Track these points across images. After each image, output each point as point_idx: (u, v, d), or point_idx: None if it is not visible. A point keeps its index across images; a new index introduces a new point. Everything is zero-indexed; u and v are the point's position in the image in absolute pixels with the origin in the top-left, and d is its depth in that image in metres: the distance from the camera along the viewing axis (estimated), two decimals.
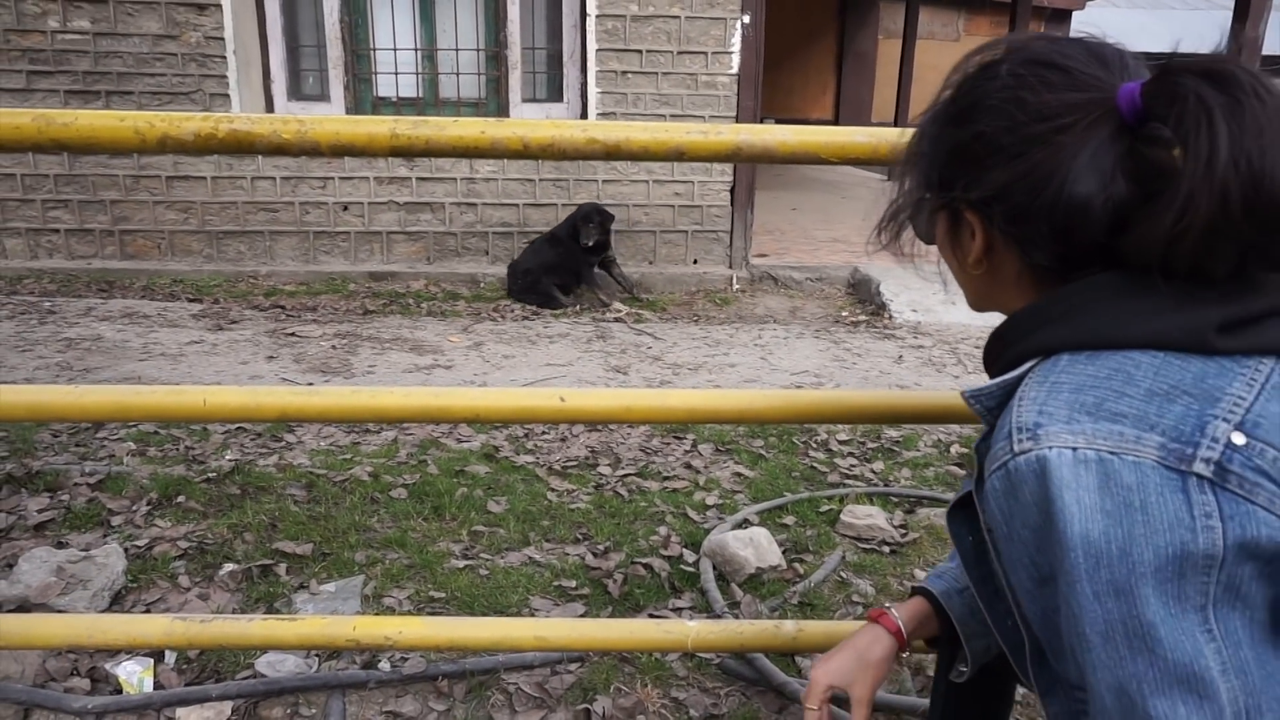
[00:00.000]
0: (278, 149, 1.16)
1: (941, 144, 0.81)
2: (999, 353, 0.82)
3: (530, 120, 1.18)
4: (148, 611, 2.02)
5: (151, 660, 1.84)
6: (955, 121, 0.79)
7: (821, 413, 1.37)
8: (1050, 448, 0.67)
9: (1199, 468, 0.64)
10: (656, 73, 5.77)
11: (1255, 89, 0.65)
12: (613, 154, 1.17)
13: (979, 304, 0.89)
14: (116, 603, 2.05)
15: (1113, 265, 0.74)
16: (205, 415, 1.33)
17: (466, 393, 1.33)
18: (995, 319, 0.87)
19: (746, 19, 5.68)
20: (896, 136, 1.20)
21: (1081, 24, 12.68)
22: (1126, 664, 0.65)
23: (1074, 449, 0.67)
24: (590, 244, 5.34)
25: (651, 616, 2.07)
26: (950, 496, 2.74)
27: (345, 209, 5.88)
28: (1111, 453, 0.66)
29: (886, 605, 1.05)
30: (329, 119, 1.15)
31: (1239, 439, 0.65)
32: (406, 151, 1.16)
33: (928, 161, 0.83)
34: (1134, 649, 0.65)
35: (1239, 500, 0.64)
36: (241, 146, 1.17)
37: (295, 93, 6.00)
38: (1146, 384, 0.68)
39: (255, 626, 1.50)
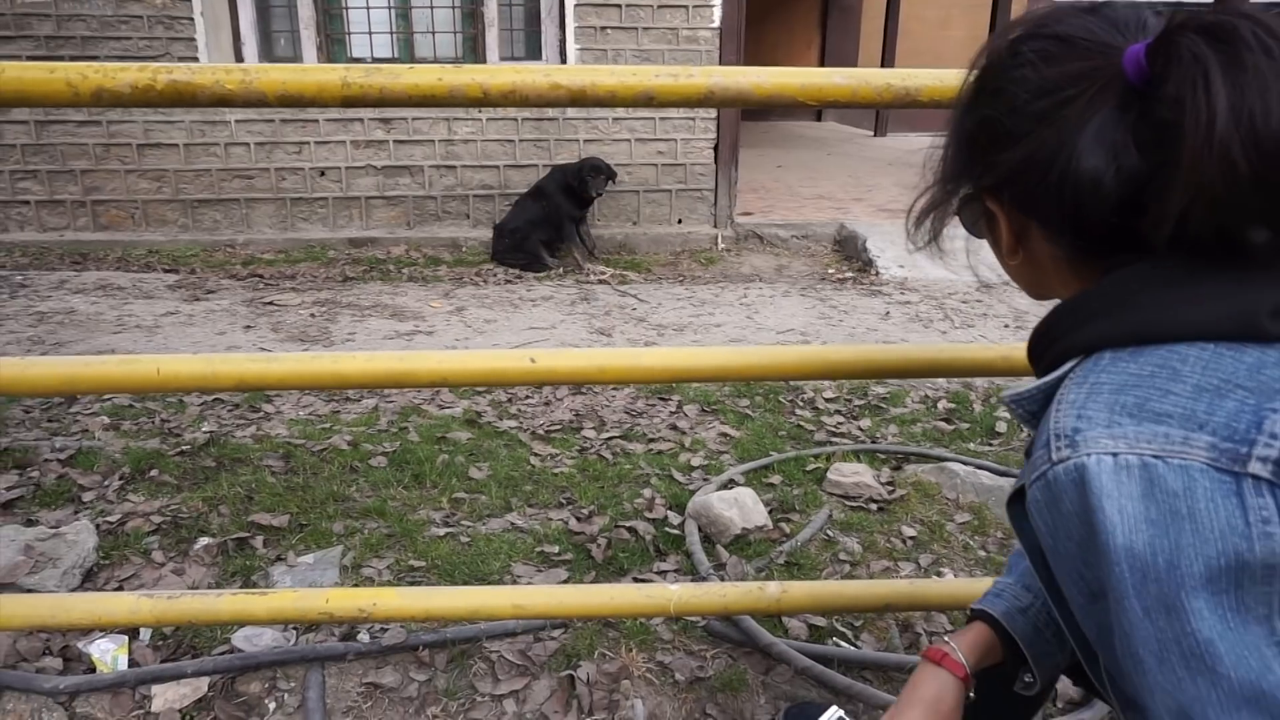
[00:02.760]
0: (221, 100, 1.09)
1: (957, 134, 0.78)
2: (1043, 351, 0.75)
3: (490, 66, 1.11)
4: (120, 588, 1.97)
5: (126, 637, 1.80)
6: (966, 109, 0.76)
7: (804, 369, 1.32)
8: (1089, 454, 0.62)
9: (1255, 468, 0.58)
10: (636, 28, 5.64)
11: (1261, 42, 0.59)
12: (578, 99, 1.11)
13: (1033, 294, 0.83)
14: (88, 580, 2.00)
15: (1151, 251, 0.67)
16: (159, 385, 1.27)
17: (432, 355, 1.28)
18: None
19: None
20: (876, 78, 1.15)
21: None
22: (1186, 686, 0.60)
23: (1114, 454, 0.62)
24: (598, 195, 5.34)
25: (636, 580, 2.03)
26: (938, 452, 2.72)
27: (322, 174, 5.76)
28: (1155, 456, 0.60)
29: (946, 640, 0.95)
30: (275, 67, 1.09)
31: None
32: (360, 101, 1.10)
33: (949, 153, 0.79)
34: (1192, 669, 0.60)
35: None
36: (183, 98, 1.11)
37: (267, 55, 5.84)
38: (1195, 379, 0.62)
39: (225, 602, 1.46)
